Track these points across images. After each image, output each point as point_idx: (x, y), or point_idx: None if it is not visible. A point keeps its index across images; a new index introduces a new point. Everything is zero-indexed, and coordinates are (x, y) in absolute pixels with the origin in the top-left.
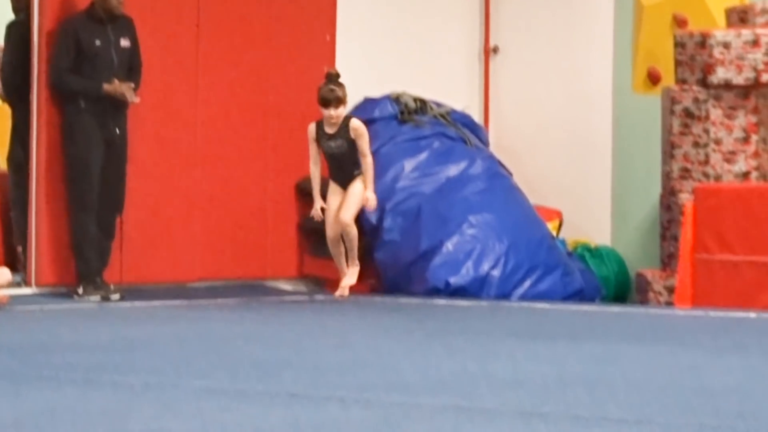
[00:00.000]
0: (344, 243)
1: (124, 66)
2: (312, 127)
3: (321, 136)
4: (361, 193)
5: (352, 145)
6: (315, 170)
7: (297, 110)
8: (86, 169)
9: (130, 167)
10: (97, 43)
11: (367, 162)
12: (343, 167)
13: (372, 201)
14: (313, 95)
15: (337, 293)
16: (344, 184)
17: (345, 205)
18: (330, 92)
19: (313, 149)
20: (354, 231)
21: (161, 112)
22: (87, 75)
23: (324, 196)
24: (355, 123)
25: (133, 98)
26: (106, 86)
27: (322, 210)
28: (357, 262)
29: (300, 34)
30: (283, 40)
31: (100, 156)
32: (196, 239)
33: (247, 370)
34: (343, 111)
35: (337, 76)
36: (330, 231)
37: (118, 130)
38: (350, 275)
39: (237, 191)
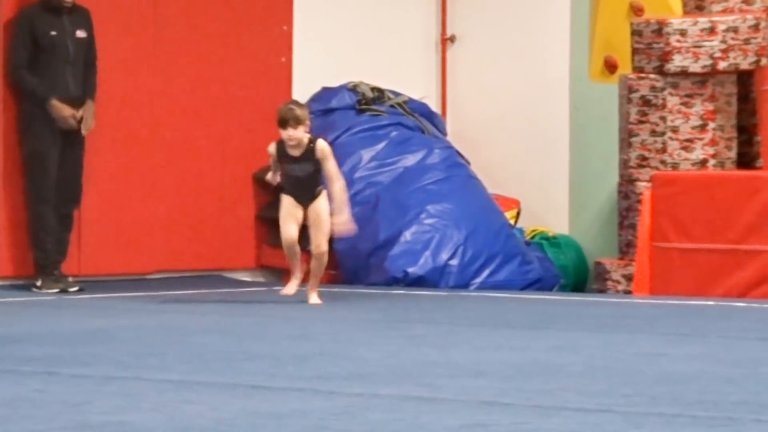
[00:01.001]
0: (309, 264)
1: (80, 57)
2: (272, 148)
3: (283, 157)
4: (327, 214)
5: (318, 167)
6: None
7: (254, 101)
8: (43, 162)
9: (88, 159)
10: (53, 33)
11: (339, 186)
12: (306, 189)
13: (348, 226)
14: (271, 86)
15: (283, 291)
16: (306, 202)
17: (317, 233)
18: (288, 111)
19: (274, 167)
20: (326, 258)
21: (118, 104)
22: (43, 66)
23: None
24: (321, 144)
25: (85, 129)
26: (54, 103)
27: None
28: (321, 274)
29: (257, 25)
30: (240, 31)
31: (57, 149)
32: (154, 231)
33: (207, 362)
34: (302, 133)
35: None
36: (286, 234)
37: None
38: (311, 287)
39: (194, 183)
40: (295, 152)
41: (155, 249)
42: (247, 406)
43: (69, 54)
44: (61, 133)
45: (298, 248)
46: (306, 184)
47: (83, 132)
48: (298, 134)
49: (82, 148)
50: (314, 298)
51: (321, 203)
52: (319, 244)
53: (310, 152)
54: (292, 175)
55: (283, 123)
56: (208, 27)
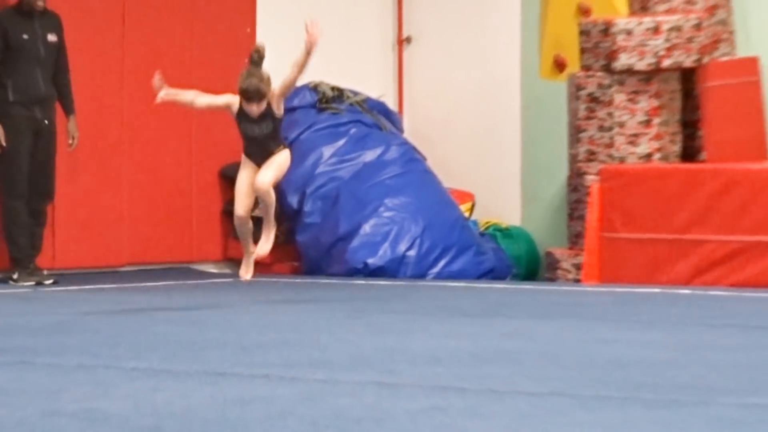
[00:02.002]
0: (259, 215)
1: (50, 59)
2: (234, 101)
3: (242, 116)
4: (284, 161)
5: (278, 124)
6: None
7: None
8: (16, 158)
9: (60, 155)
10: (25, 36)
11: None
12: (263, 148)
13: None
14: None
15: (240, 274)
16: (261, 162)
17: (264, 170)
18: (254, 89)
19: (207, 104)
20: (272, 198)
21: (88, 101)
22: (14, 67)
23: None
24: (274, 93)
25: (74, 144)
26: None
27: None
28: (273, 223)
29: (222, 27)
30: (206, 32)
31: (29, 145)
32: (125, 225)
33: (175, 351)
34: (264, 104)
35: (261, 59)
36: (239, 208)
37: (46, 122)
38: (265, 241)
39: (163, 178)
40: (255, 113)
41: (126, 243)
42: (215, 393)
43: (40, 56)
44: (33, 131)
45: (250, 224)
46: (264, 145)
47: (71, 147)
48: (261, 107)
49: (54, 145)
50: (262, 246)
51: (276, 155)
52: (262, 178)
53: (268, 112)
54: (250, 135)
55: (248, 98)
56: (173, 28)
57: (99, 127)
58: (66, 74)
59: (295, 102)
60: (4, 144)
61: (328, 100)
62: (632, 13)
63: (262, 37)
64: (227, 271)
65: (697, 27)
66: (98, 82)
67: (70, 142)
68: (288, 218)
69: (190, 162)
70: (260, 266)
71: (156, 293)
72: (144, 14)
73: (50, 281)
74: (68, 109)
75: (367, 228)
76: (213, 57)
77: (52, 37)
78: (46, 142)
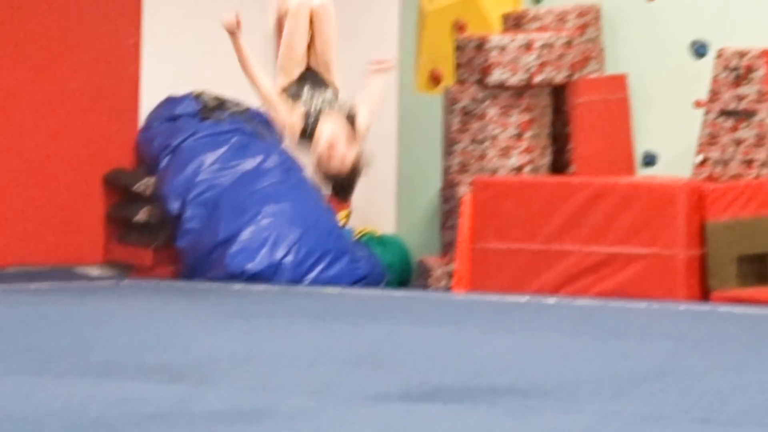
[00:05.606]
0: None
1: None
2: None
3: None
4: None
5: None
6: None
7: (104, 107)
8: None
9: None
10: None
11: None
12: None
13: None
14: (119, 93)
15: None
16: None
17: None
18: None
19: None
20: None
21: None
22: None
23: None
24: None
25: None
26: None
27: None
28: None
29: (107, 36)
30: (91, 40)
31: None
32: (8, 226)
33: (56, 351)
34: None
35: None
36: None
37: None
38: None
39: (47, 182)
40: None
41: (9, 243)
42: (95, 393)
43: None
44: None
45: None
46: None
47: None
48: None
49: None
50: None
51: None
52: None
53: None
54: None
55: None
56: (60, 34)
57: None
58: None
59: (179, 110)
60: None
61: (210, 109)
62: (506, 30)
63: (146, 47)
64: (108, 273)
65: (568, 45)
66: None
67: None
68: (169, 223)
69: (74, 166)
70: (140, 270)
71: (38, 294)
72: (25, 22)
73: None
74: None
75: (246, 234)
76: (98, 64)
77: None
78: None
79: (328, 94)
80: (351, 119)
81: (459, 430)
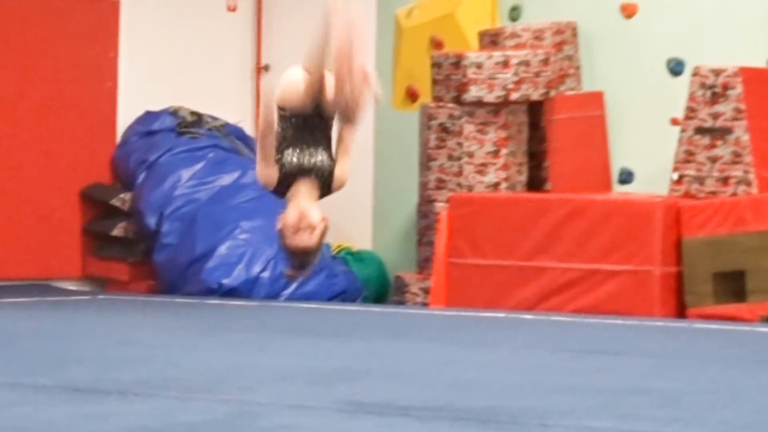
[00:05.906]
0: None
1: None
2: None
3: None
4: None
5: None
6: None
7: (81, 123)
8: None
9: None
10: None
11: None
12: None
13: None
14: (97, 108)
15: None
16: None
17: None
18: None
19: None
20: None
21: None
22: None
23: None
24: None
25: None
26: None
27: None
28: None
29: (85, 50)
30: (69, 54)
31: None
32: None
33: (33, 366)
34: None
35: None
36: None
37: None
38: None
39: (24, 197)
40: None
41: None
42: (72, 407)
43: None
44: None
45: None
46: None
47: None
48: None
49: None
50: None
51: None
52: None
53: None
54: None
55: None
56: (37, 48)
57: None
58: None
59: (156, 126)
60: None
61: (187, 125)
62: (483, 47)
63: (124, 62)
64: (85, 288)
65: (545, 62)
66: None
67: None
68: (146, 238)
69: (52, 181)
70: (117, 284)
71: (15, 308)
72: (1, 37)
73: None
74: None
75: (222, 249)
76: (76, 79)
77: None
78: None
79: (320, 155)
80: (326, 181)
81: None
